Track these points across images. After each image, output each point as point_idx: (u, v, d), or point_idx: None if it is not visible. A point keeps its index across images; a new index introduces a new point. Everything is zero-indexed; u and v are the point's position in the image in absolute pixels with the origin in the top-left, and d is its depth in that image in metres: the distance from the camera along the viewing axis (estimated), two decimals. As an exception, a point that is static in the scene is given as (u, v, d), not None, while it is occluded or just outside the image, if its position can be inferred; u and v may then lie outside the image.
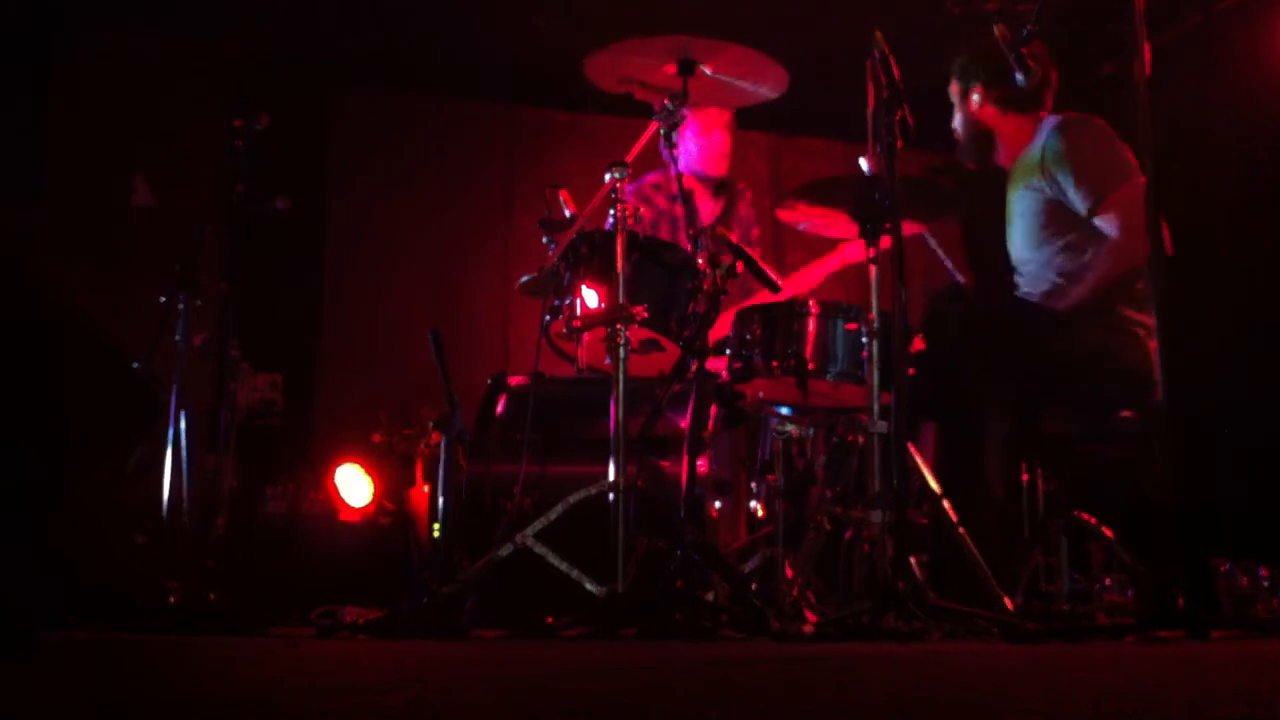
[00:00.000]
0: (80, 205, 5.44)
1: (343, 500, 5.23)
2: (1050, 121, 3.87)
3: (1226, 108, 4.99)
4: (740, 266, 3.33)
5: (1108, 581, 3.61)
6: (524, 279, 3.63)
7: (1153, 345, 2.87)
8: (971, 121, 4.00)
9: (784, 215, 3.65)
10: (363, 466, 5.31)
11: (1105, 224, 3.70)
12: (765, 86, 3.63)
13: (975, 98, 3.96)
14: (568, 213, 3.54)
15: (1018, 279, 3.97)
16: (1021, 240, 3.93)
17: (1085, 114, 3.89)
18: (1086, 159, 3.75)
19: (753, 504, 3.90)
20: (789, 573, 3.42)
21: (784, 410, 3.72)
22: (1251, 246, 4.85)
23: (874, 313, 3.17)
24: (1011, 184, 3.97)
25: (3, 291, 2.53)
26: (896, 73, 3.05)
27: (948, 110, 4.09)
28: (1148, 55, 2.75)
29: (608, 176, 3.29)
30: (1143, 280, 3.62)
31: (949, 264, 4.18)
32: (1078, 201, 3.73)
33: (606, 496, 3.11)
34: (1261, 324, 4.74)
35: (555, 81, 5.25)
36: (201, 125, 5.51)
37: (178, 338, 3.95)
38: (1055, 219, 3.80)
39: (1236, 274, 4.84)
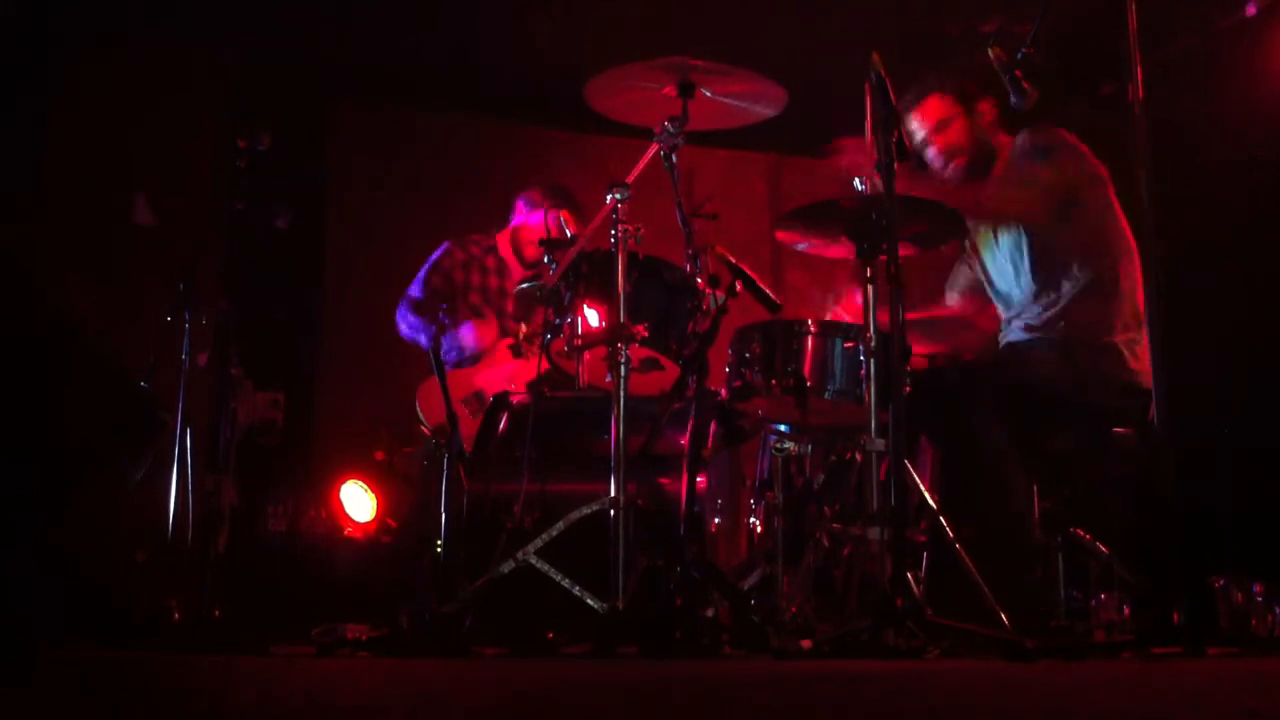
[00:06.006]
0: (80, 220, 5.45)
1: (347, 517, 5.25)
2: (1018, 140, 3.85)
3: (1227, 121, 5.00)
4: (740, 286, 3.34)
5: (1104, 598, 3.61)
6: (522, 284, 3.66)
7: (1148, 361, 2.87)
8: (977, 139, 3.88)
9: (783, 235, 3.65)
10: (366, 484, 5.33)
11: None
12: (764, 105, 3.65)
13: (985, 112, 3.84)
14: (569, 232, 3.56)
15: (1003, 313, 3.95)
16: (1008, 275, 3.89)
17: (1047, 126, 3.81)
18: (1027, 172, 3.75)
19: (752, 521, 3.91)
20: (788, 590, 3.43)
21: (783, 428, 3.73)
22: (1252, 260, 4.86)
23: (871, 332, 3.18)
24: (990, 216, 3.86)
25: (3, 306, 2.54)
26: (893, 95, 3.06)
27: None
28: (1140, 75, 2.77)
29: (609, 197, 3.31)
30: (1127, 305, 3.65)
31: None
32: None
33: (607, 514, 3.12)
34: (1261, 339, 4.75)
35: (556, 98, 5.26)
36: (201, 139, 5.52)
37: (183, 356, 3.96)
38: (1042, 253, 3.78)
39: (1237, 287, 4.85)
